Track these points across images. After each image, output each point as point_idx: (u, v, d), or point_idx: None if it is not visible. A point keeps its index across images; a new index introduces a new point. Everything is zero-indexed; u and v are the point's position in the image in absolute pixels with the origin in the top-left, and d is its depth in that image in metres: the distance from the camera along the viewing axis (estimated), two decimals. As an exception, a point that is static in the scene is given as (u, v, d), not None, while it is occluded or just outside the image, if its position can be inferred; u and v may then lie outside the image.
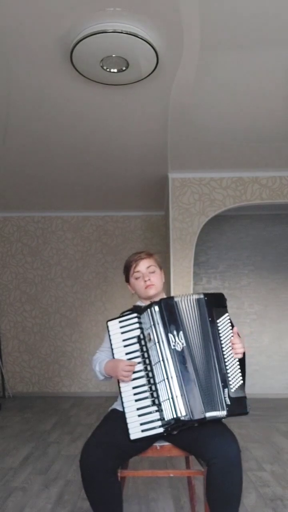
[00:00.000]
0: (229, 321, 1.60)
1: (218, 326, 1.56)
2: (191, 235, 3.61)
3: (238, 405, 1.47)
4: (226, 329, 1.57)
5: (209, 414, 1.44)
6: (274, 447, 3.06)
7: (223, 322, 1.58)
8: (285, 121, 2.64)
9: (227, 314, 1.60)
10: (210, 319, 1.55)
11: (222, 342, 1.54)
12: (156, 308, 1.54)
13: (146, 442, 1.57)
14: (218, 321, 1.56)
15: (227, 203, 3.62)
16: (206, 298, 1.58)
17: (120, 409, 1.66)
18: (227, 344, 1.55)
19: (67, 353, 5.03)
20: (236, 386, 1.50)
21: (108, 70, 1.97)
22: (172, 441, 1.60)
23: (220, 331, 1.56)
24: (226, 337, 1.56)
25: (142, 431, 1.48)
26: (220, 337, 1.55)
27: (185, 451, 1.59)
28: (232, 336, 1.57)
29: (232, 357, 1.54)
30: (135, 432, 1.48)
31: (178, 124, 2.66)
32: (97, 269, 5.06)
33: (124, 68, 1.95)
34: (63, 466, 2.73)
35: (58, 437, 3.36)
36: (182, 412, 1.42)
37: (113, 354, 1.61)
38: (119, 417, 1.59)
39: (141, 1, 1.60)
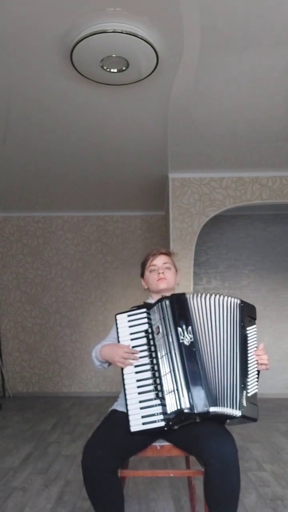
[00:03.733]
0: (256, 333, 1.62)
1: (247, 333, 1.58)
2: (191, 235, 3.61)
3: (252, 410, 1.48)
4: (252, 338, 1.59)
5: (213, 409, 1.44)
6: (274, 447, 3.06)
7: (251, 331, 1.60)
8: (285, 121, 2.64)
9: (255, 326, 1.63)
10: (242, 324, 1.57)
11: (249, 348, 1.56)
12: (167, 302, 1.56)
13: (146, 439, 1.57)
14: (247, 328, 1.58)
15: (227, 203, 3.62)
16: (242, 304, 1.62)
17: (120, 409, 1.67)
18: (252, 353, 1.56)
19: (67, 353, 5.03)
20: (253, 392, 1.51)
21: (108, 70, 1.97)
22: (172, 440, 1.60)
23: (248, 338, 1.57)
24: (252, 345, 1.58)
25: (143, 424, 1.48)
26: (248, 342, 1.57)
27: (184, 451, 1.60)
28: (256, 347, 1.60)
29: (254, 365, 1.56)
30: (136, 424, 1.48)
31: (178, 124, 2.66)
32: (97, 269, 5.06)
33: (124, 68, 1.95)
34: (63, 466, 2.73)
35: (58, 437, 3.36)
36: (185, 404, 1.42)
37: None
38: (119, 417, 1.59)
39: (141, 1, 1.60)
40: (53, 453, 2.97)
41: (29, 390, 5.02)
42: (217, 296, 1.61)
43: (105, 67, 1.95)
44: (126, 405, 1.52)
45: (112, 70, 1.97)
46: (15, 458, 2.88)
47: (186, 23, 1.71)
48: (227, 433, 1.47)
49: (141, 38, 1.75)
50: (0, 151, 3.05)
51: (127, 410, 1.52)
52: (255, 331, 1.61)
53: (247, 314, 1.61)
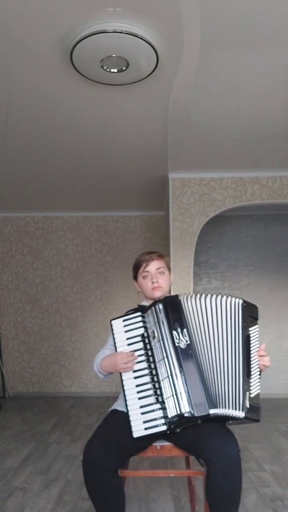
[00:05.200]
0: (258, 333, 1.59)
1: (250, 333, 1.55)
2: (191, 235, 3.61)
3: (255, 411, 1.46)
4: (255, 338, 1.57)
5: (213, 411, 1.43)
6: (274, 447, 3.06)
7: (253, 331, 1.57)
8: (285, 121, 2.64)
9: (257, 326, 1.60)
10: (244, 324, 1.54)
11: (251, 348, 1.54)
12: (161, 305, 1.55)
13: (148, 441, 1.57)
14: (250, 329, 1.56)
15: (227, 203, 3.62)
16: (244, 304, 1.58)
17: (120, 409, 1.67)
18: (254, 353, 1.54)
19: (67, 353, 5.03)
20: (256, 393, 1.50)
21: (108, 70, 1.97)
22: (173, 440, 1.60)
23: (251, 338, 1.55)
24: (254, 345, 1.56)
25: (145, 429, 1.48)
26: (251, 342, 1.54)
27: (185, 451, 1.59)
28: (258, 348, 1.57)
29: (257, 366, 1.54)
30: (138, 430, 1.48)
31: (178, 124, 2.66)
32: (97, 269, 5.06)
33: (124, 68, 1.95)
34: (63, 466, 2.73)
35: (58, 437, 3.36)
36: (185, 409, 1.41)
37: None
38: (120, 416, 1.60)
39: (141, 1, 1.59)
40: (53, 454, 2.97)
41: (29, 390, 5.02)
42: (217, 296, 1.58)
43: (105, 67, 1.95)
44: (127, 410, 1.52)
45: (112, 70, 1.97)
46: (15, 459, 2.88)
47: (186, 23, 1.71)
48: (229, 432, 1.47)
49: (141, 38, 1.75)
50: (0, 151, 3.05)
51: (128, 415, 1.51)
52: (257, 331, 1.59)
53: (249, 314, 1.59)
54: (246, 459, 2.79)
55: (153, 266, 1.77)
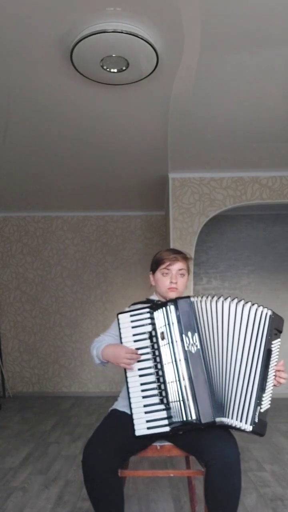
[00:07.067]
0: (279, 346, 1.54)
1: (272, 347, 1.49)
2: (191, 235, 3.61)
3: (262, 426, 1.43)
4: (275, 353, 1.52)
5: (219, 419, 1.42)
6: (274, 447, 3.06)
7: (275, 345, 1.52)
8: (285, 121, 2.64)
9: (279, 340, 1.54)
10: (269, 337, 1.47)
11: (270, 364, 1.49)
12: (172, 306, 1.51)
13: (149, 440, 1.57)
14: (272, 342, 1.49)
15: (227, 203, 3.62)
16: (273, 316, 1.49)
17: (120, 409, 1.67)
18: (273, 367, 1.51)
19: (67, 353, 5.03)
20: (265, 408, 1.47)
21: (108, 70, 1.97)
22: (173, 441, 1.60)
23: (272, 353, 1.49)
24: (274, 359, 1.51)
25: (148, 428, 1.47)
26: (271, 356, 1.49)
27: (185, 451, 1.59)
28: (276, 362, 1.53)
29: (272, 381, 1.51)
30: (141, 428, 1.48)
31: (178, 124, 2.66)
32: (97, 269, 5.06)
33: (124, 68, 1.95)
34: (63, 466, 2.73)
35: (58, 437, 3.36)
36: (191, 416, 1.40)
37: None
38: (120, 417, 1.60)
39: (141, 1, 1.59)
40: (53, 454, 2.97)
41: (29, 390, 5.02)
42: (239, 302, 1.49)
43: (105, 67, 1.95)
44: (131, 408, 1.51)
45: (112, 70, 1.97)
46: (15, 458, 2.88)
47: (186, 23, 1.71)
48: (230, 435, 1.46)
49: (141, 38, 1.75)
50: (0, 151, 3.05)
51: (131, 413, 1.51)
52: (279, 344, 1.53)
53: (275, 326, 1.50)
54: (246, 459, 2.79)
55: (176, 266, 1.72)
